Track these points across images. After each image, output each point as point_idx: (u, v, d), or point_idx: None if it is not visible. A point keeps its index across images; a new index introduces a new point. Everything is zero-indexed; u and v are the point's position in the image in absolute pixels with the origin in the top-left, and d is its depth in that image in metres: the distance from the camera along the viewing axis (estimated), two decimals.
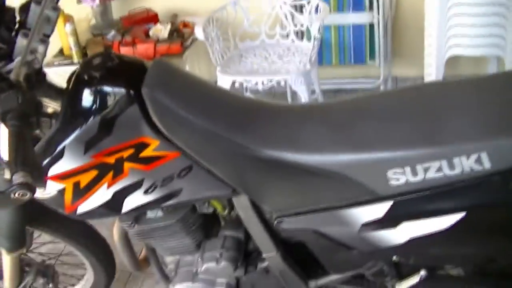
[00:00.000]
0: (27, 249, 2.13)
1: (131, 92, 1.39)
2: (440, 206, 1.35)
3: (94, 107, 1.40)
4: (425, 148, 1.29)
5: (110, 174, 1.46)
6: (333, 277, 1.68)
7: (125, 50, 3.53)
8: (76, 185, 1.49)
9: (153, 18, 3.91)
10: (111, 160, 1.44)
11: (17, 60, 1.34)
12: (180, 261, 1.82)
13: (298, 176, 1.41)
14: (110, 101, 1.39)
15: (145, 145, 1.42)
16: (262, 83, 3.17)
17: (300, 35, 3.65)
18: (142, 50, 3.54)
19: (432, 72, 3.40)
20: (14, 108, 1.25)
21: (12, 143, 1.19)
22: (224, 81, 3.26)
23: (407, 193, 1.35)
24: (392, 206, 1.37)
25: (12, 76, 1.31)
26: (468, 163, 1.27)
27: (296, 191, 1.46)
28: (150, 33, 3.68)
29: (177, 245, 1.71)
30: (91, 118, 1.40)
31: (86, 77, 1.43)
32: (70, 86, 1.45)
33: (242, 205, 1.55)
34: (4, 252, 2.03)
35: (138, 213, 1.62)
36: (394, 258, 1.52)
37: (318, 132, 1.42)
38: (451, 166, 1.28)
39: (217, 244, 1.72)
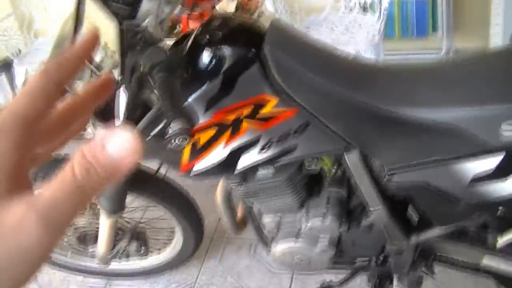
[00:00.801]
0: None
1: (253, 50, 1.45)
2: None
3: (216, 66, 1.46)
4: None
5: (228, 132, 1.53)
6: (434, 232, 1.72)
7: (194, 24, 3.58)
8: (195, 143, 1.55)
9: None
10: (230, 118, 1.50)
11: (150, 19, 1.40)
12: (282, 220, 1.87)
13: (413, 131, 1.45)
14: (232, 60, 1.45)
15: (264, 103, 1.48)
16: None
17: (363, 8, 3.67)
18: None
19: (498, 42, 3.41)
20: (161, 61, 1.33)
21: (164, 93, 1.25)
22: None
23: None
24: (504, 157, 1.41)
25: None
26: None
27: (410, 145, 1.51)
28: (217, 7, 3.74)
29: (282, 204, 1.77)
30: (213, 77, 1.46)
31: (207, 37, 1.49)
32: (189, 47, 1.51)
33: (353, 159, 1.60)
34: (104, 215, 2.12)
35: (250, 171, 1.68)
36: (500, 209, 1.55)
37: (432, 89, 1.46)
38: None
39: (322, 202, 1.77)
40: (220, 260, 2.79)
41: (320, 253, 1.82)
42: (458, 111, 1.39)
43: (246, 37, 1.51)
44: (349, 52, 3.17)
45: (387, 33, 3.93)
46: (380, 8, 3.34)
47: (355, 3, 3.63)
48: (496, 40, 3.41)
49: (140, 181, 2.12)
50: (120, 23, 1.32)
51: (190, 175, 1.65)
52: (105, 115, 1.50)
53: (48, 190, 0.42)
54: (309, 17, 3.67)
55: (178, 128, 1.16)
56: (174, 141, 1.16)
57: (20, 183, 0.43)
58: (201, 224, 2.46)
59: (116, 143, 0.42)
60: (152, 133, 1.48)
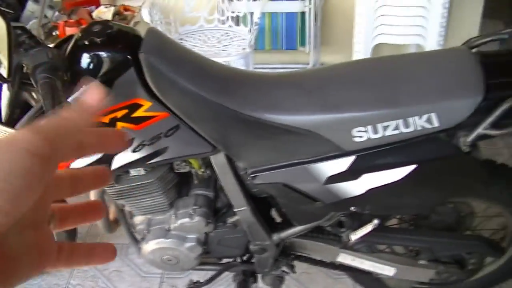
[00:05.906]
0: None
1: (129, 56, 1.54)
2: (395, 159, 1.56)
3: (94, 69, 1.53)
4: (385, 109, 1.50)
5: None
6: (294, 230, 1.86)
7: (71, 30, 3.58)
8: None
9: (95, 1, 3.99)
10: (106, 119, 1.57)
11: (33, 22, 1.47)
12: (152, 220, 1.95)
13: (273, 135, 1.58)
14: (108, 64, 1.53)
15: (138, 106, 1.56)
16: None
17: (236, 20, 3.83)
18: None
19: (359, 58, 3.64)
20: (44, 62, 1.39)
21: (45, 93, 1.32)
22: None
23: (368, 149, 1.55)
24: (354, 160, 1.57)
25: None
26: (420, 122, 1.48)
27: (271, 148, 1.64)
28: (94, 15, 3.77)
29: (152, 204, 1.85)
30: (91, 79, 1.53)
31: (86, 42, 1.56)
32: (69, 50, 1.58)
33: (219, 162, 1.72)
34: None
35: (124, 170, 1.75)
36: (352, 208, 1.70)
37: (292, 96, 1.60)
38: (406, 124, 1.49)
39: (190, 202, 1.87)
40: None
41: (187, 252, 1.91)
42: (314, 117, 1.54)
43: (124, 42, 1.59)
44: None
45: (258, 45, 4.09)
46: (252, 21, 3.49)
47: (227, 16, 3.78)
48: (359, 56, 3.63)
49: None
50: (8, 24, 1.38)
51: None
52: None
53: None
54: (183, 27, 3.77)
55: None
56: None
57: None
58: None
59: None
60: None
